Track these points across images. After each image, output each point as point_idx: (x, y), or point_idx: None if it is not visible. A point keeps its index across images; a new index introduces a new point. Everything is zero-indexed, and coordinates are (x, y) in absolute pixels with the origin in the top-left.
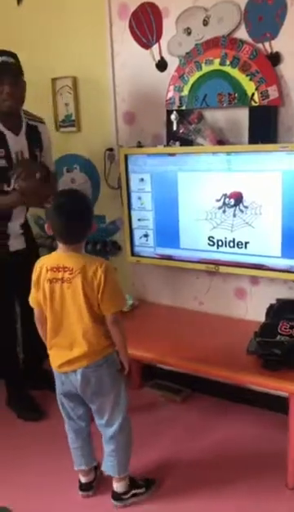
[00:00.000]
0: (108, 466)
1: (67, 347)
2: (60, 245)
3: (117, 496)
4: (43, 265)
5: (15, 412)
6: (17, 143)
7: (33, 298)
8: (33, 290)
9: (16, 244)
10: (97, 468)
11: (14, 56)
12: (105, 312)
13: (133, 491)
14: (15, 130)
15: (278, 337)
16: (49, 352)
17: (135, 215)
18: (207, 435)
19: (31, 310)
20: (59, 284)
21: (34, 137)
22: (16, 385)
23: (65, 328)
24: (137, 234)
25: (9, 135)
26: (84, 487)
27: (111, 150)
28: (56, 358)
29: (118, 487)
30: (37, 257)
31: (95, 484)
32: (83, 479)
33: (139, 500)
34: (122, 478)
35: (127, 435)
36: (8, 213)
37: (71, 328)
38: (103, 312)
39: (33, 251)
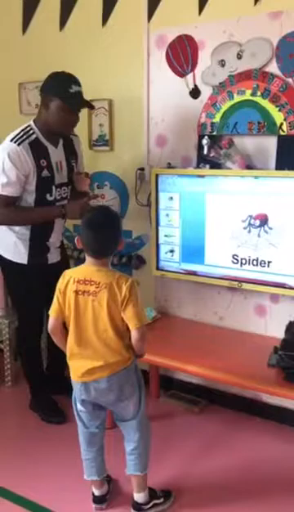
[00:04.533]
0: (130, 466)
1: (89, 357)
2: (89, 259)
3: (138, 507)
4: (71, 277)
5: (39, 415)
6: (57, 155)
7: (53, 307)
8: (55, 300)
9: (54, 256)
10: (110, 481)
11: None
12: (131, 326)
13: (154, 502)
14: (55, 143)
15: None
16: (69, 361)
17: (162, 231)
18: (228, 448)
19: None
20: (84, 296)
21: (70, 149)
22: (41, 389)
23: (88, 339)
24: (163, 249)
25: (50, 147)
26: (97, 500)
27: (142, 169)
28: (77, 368)
29: (139, 497)
30: (68, 269)
31: (109, 497)
32: (97, 492)
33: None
34: (142, 489)
35: (147, 432)
36: (50, 228)
37: (93, 340)
38: (129, 326)
39: (65, 263)
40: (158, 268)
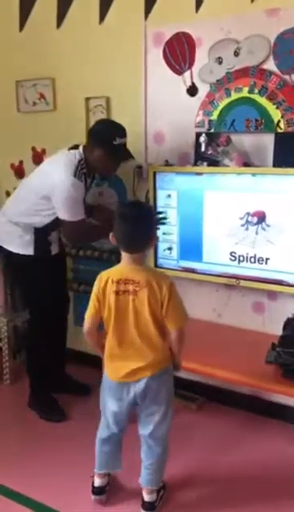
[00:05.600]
0: (146, 480)
1: (130, 358)
2: (124, 257)
3: (150, 506)
4: (109, 277)
5: (38, 413)
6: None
7: (90, 312)
8: (91, 304)
9: (55, 248)
10: (110, 473)
11: None
12: (171, 326)
13: (160, 495)
14: (89, 175)
15: None
16: (108, 362)
17: (160, 229)
18: (227, 445)
19: (60, 313)
20: (125, 296)
21: (92, 180)
22: (41, 384)
23: (130, 339)
24: (161, 247)
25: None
26: (97, 491)
27: (140, 167)
28: (118, 368)
29: (150, 497)
30: (65, 260)
31: (108, 489)
32: (97, 482)
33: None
34: (152, 492)
35: (166, 450)
36: (55, 225)
37: (135, 339)
38: (168, 326)
39: (63, 256)
40: (156, 266)
